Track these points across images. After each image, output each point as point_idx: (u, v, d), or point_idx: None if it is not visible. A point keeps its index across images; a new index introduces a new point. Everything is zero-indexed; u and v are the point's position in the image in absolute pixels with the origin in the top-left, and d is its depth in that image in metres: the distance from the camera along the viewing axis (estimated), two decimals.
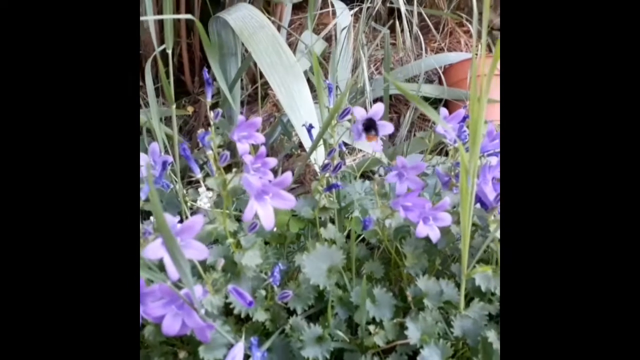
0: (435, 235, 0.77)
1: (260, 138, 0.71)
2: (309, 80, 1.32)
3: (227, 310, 0.74)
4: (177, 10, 1.85)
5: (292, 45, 1.84)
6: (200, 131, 0.69)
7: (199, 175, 0.74)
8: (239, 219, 1.03)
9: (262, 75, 1.53)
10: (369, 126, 0.80)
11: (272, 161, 0.67)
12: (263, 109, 1.99)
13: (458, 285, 0.85)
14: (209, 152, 0.68)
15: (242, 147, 0.70)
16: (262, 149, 0.66)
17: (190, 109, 1.89)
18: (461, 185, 0.66)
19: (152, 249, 0.55)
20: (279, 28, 1.72)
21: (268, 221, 0.62)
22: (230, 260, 0.76)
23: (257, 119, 0.71)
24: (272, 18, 1.67)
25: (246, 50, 1.50)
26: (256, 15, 1.36)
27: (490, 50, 2.16)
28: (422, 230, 0.75)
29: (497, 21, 2.23)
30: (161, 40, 1.90)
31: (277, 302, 0.75)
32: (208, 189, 0.79)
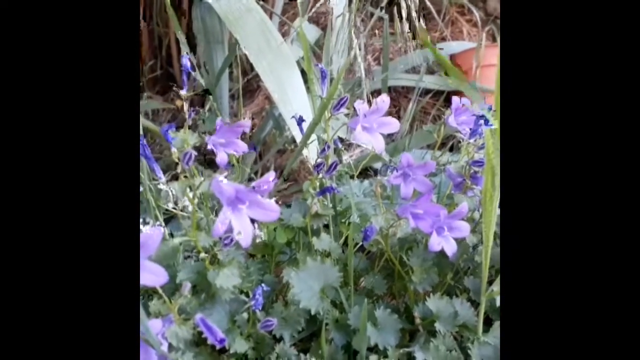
0: (451, 248, 0.64)
1: (242, 147, 0.58)
2: (302, 72, 1.20)
3: (200, 339, 0.62)
4: None
5: (286, 37, 1.72)
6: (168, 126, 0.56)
7: (162, 178, 0.62)
8: None
9: (254, 67, 1.41)
10: None
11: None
12: (255, 102, 1.87)
13: (472, 303, 0.73)
14: (173, 150, 0.56)
15: (220, 156, 0.57)
16: (271, 174, 0.53)
17: (179, 103, 1.78)
18: (485, 189, 0.54)
19: None
20: (270, 15, 1.59)
21: (245, 236, 0.49)
22: (205, 278, 0.63)
23: (244, 123, 0.58)
24: (264, 4, 1.54)
25: (236, 41, 1.38)
26: None
27: (494, 39, 2.04)
28: (435, 242, 0.62)
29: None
30: (150, 35, 1.77)
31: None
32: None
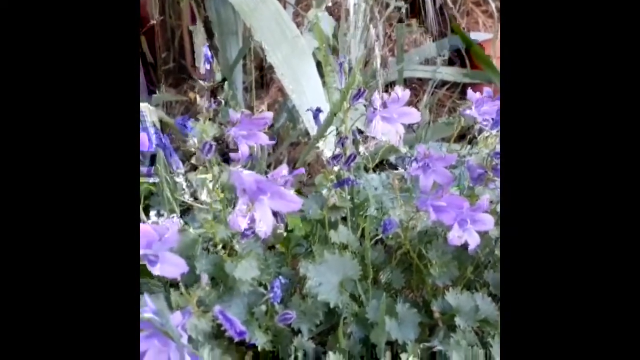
0: (474, 241, 0.63)
1: (264, 139, 0.57)
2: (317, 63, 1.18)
3: (218, 332, 0.61)
4: None
5: (300, 27, 1.70)
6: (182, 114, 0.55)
7: (181, 169, 0.61)
8: None
9: (267, 59, 1.40)
10: None
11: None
12: (268, 94, 1.86)
13: (493, 297, 0.71)
14: (191, 142, 0.55)
15: (242, 148, 0.56)
16: (284, 167, 0.52)
17: (192, 95, 1.78)
18: None
19: None
20: (284, 5, 1.58)
21: (265, 227, 0.48)
22: (222, 270, 0.63)
23: (267, 115, 0.57)
24: None
25: (250, 32, 1.36)
26: None
27: None
28: (457, 235, 0.61)
29: None
30: (162, 27, 1.77)
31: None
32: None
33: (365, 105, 0.78)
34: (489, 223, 0.64)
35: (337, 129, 0.78)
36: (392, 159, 1.26)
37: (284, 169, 0.51)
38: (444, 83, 1.78)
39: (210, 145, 0.50)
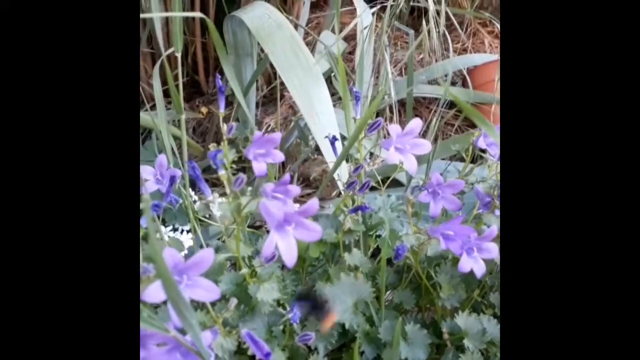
0: (480, 269, 0.67)
1: (279, 156, 0.61)
2: (327, 82, 1.23)
3: (239, 349, 0.65)
4: (191, 8, 1.76)
5: (310, 46, 1.75)
6: (213, 146, 0.59)
7: (209, 197, 0.65)
8: (255, 227, 0.93)
9: (277, 76, 1.44)
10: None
11: (295, 190, 0.57)
12: (278, 110, 1.91)
13: (498, 318, 0.75)
14: (222, 173, 0.59)
15: (259, 166, 0.60)
16: (287, 177, 0.56)
17: (204, 110, 1.82)
18: None
19: (152, 292, 0.46)
20: (295, 27, 1.63)
21: (290, 256, 0.53)
22: (244, 290, 0.67)
23: (276, 135, 0.61)
24: (289, 17, 1.58)
25: (262, 51, 1.41)
26: (273, 14, 1.27)
27: None
28: (466, 264, 0.65)
29: None
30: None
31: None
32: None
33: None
34: (494, 251, 0.67)
35: (350, 155, 0.82)
36: (399, 176, 1.30)
37: (315, 205, 0.54)
38: (450, 102, 1.82)
39: (242, 180, 0.54)
